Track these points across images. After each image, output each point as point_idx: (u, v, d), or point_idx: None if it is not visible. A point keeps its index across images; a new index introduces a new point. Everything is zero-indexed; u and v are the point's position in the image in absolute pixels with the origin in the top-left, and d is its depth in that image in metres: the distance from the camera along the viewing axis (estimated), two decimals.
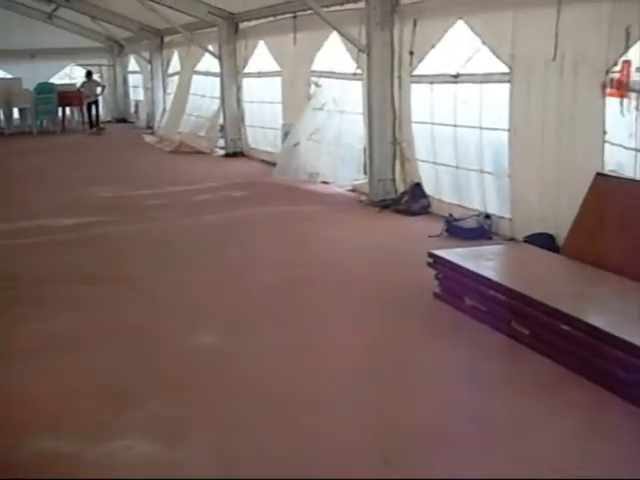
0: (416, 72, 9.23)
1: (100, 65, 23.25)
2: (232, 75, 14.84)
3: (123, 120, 23.36)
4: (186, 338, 5.18)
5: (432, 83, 8.94)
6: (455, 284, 5.66)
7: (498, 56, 7.70)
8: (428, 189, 9.21)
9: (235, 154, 14.94)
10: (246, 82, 14.81)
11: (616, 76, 6.32)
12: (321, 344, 4.99)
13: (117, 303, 5.93)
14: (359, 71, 10.39)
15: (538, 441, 3.71)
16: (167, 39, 19.28)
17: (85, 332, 5.30)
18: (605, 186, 6.11)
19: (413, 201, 9.12)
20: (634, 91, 6.18)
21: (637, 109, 6.16)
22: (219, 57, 14.92)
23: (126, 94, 23.82)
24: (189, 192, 11.03)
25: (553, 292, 4.99)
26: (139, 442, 3.76)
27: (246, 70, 14.68)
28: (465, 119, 8.32)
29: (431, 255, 5.93)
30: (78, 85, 21.02)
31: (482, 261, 5.64)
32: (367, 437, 3.77)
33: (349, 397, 4.21)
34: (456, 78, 8.43)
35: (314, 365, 4.68)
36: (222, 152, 15.35)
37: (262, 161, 13.83)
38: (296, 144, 11.90)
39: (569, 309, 4.57)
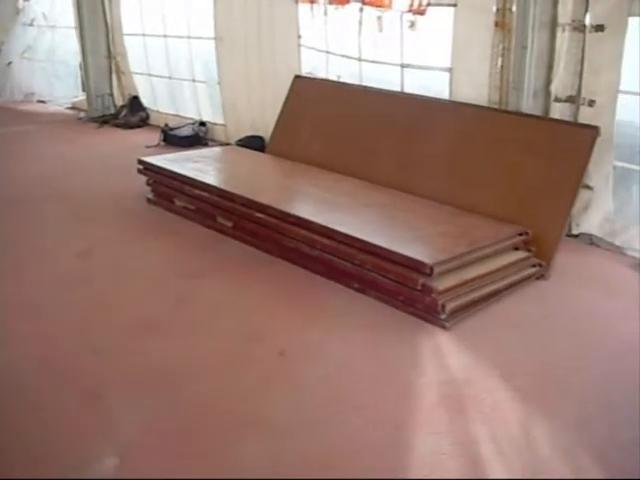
0: None
1: None
2: None
3: None
4: None
5: None
6: (165, 188, 5.87)
7: None
8: (145, 101, 9.27)
9: None
10: None
11: None
12: (31, 256, 4.99)
13: None
14: None
15: (234, 313, 4.15)
16: None
17: None
18: (302, 87, 6.58)
19: (131, 114, 9.14)
20: None
21: (325, 14, 6.63)
22: None
23: None
24: None
25: (252, 186, 5.40)
26: None
27: None
28: (174, 29, 8.42)
29: (141, 162, 6.08)
30: None
31: (189, 164, 5.88)
32: (78, 334, 3.91)
33: (58, 301, 4.30)
34: None
35: (19, 273, 4.70)
36: None
37: None
38: (9, 63, 11.28)
39: (263, 199, 4.99)
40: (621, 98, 4.92)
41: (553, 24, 5.14)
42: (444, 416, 3.22)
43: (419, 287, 3.95)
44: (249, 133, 7.50)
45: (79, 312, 4.18)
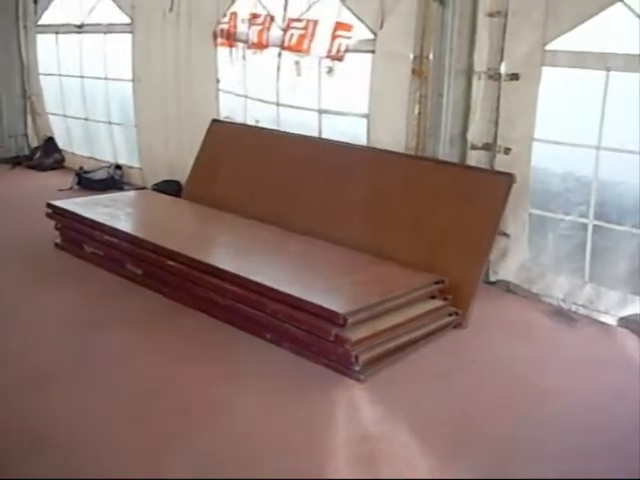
0: (41, 22, 8.89)
1: None
2: None
3: None
4: None
5: (57, 33, 8.65)
6: (74, 232, 5.62)
7: (120, 7, 7.69)
8: (61, 143, 8.99)
9: None
10: None
11: (225, 27, 6.66)
12: None
13: None
14: None
15: (137, 366, 3.91)
16: None
17: None
18: (219, 131, 6.46)
19: (46, 156, 8.86)
20: (240, 41, 6.55)
21: (243, 58, 6.55)
22: None
23: None
24: None
25: (164, 232, 5.21)
26: None
27: None
28: (91, 70, 8.22)
29: (50, 205, 5.82)
30: None
31: (99, 208, 5.67)
32: None
33: None
34: (80, 28, 8.26)
35: None
36: None
37: None
38: None
39: (174, 246, 4.80)
40: (536, 146, 4.95)
41: (469, 72, 5.17)
42: (358, 476, 3.07)
43: (332, 338, 3.81)
44: (166, 177, 7.31)
45: None
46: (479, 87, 5.12)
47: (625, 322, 4.69)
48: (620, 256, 4.77)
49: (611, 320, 4.75)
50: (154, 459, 3.10)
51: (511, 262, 5.19)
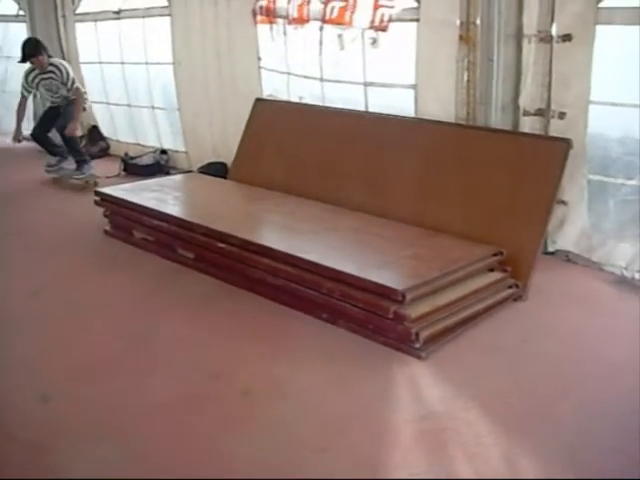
0: (79, 10, 8.89)
1: None
2: None
3: None
4: None
5: (96, 21, 8.64)
6: (123, 219, 5.61)
7: None
8: (105, 130, 9.01)
9: None
10: None
11: (264, 3, 6.54)
12: None
13: None
14: (22, 12, 9.76)
15: (194, 350, 3.88)
16: None
17: None
18: (263, 110, 6.37)
19: (91, 144, 8.84)
20: (281, 17, 6.43)
21: (284, 34, 6.44)
22: None
23: None
24: None
25: (213, 214, 5.15)
26: None
27: None
28: (132, 56, 8.19)
29: (97, 193, 5.82)
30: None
31: (147, 193, 5.63)
32: (23, 378, 3.64)
33: (3, 342, 4.03)
34: (118, 14, 8.22)
35: None
36: None
37: None
38: None
39: (224, 228, 4.73)
40: (592, 109, 4.76)
41: (519, 36, 4.98)
42: (423, 455, 2.98)
43: (391, 315, 3.71)
44: (211, 159, 7.26)
45: (27, 355, 3.88)
46: (530, 51, 4.93)
47: None
48: None
49: None
50: (218, 443, 3.06)
51: (570, 231, 5.02)
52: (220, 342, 3.97)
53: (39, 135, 7.82)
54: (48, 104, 7.98)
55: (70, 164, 7.82)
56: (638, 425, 3.09)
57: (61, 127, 7.51)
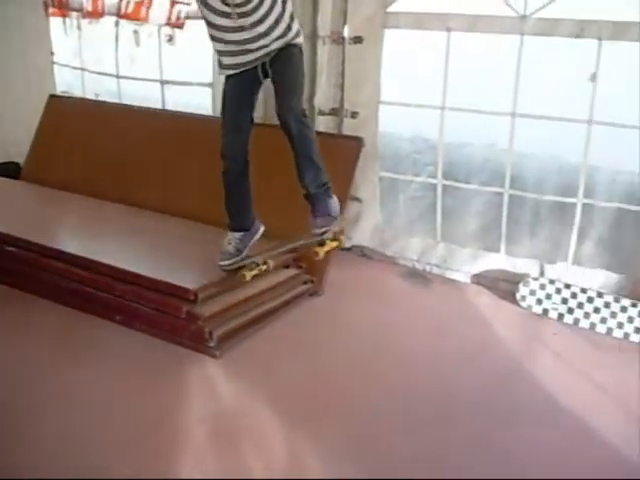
0: None
1: None
2: None
3: None
4: None
5: None
6: None
7: None
8: None
9: None
10: None
11: None
12: None
13: None
14: None
15: None
16: None
17: None
18: (58, 107, 6.09)
19: None
20: (74, 10, 6.19)
21: (78, 28, 6.20)
22: None
23: None
24: None
25: (2, 217, 4.83)
26: None
27: None
28: None
29: None
30: None
31: None
32: None
33: None
34: None
35: None
36: None
37: None
38: None
39: (15, 231, 4.45)
40: (383, 109, 4.95)
41: (314, 37, 5.08)
42: (216, 454, 2.95)
43: (184, 315, 3.66)
44: (2, 159, 6.83)
45: None
46: (324, 52, 5.06)
47: (477, 278, 4.80)
48: (469, 214, 4.86)
49: (464, 278, 4.84)
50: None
51: (364, 227, 5.20)
52: (8, 352, 3.69)
53: None
54: None
55: None
56: (432, 412, 3.27)
57: None
